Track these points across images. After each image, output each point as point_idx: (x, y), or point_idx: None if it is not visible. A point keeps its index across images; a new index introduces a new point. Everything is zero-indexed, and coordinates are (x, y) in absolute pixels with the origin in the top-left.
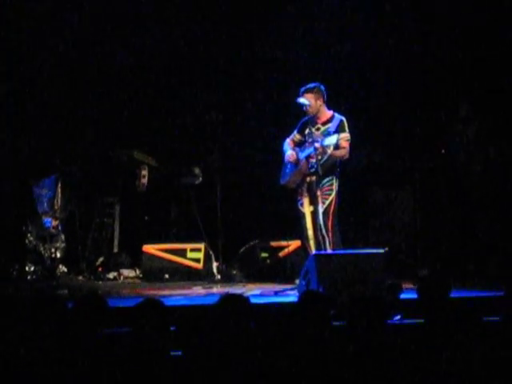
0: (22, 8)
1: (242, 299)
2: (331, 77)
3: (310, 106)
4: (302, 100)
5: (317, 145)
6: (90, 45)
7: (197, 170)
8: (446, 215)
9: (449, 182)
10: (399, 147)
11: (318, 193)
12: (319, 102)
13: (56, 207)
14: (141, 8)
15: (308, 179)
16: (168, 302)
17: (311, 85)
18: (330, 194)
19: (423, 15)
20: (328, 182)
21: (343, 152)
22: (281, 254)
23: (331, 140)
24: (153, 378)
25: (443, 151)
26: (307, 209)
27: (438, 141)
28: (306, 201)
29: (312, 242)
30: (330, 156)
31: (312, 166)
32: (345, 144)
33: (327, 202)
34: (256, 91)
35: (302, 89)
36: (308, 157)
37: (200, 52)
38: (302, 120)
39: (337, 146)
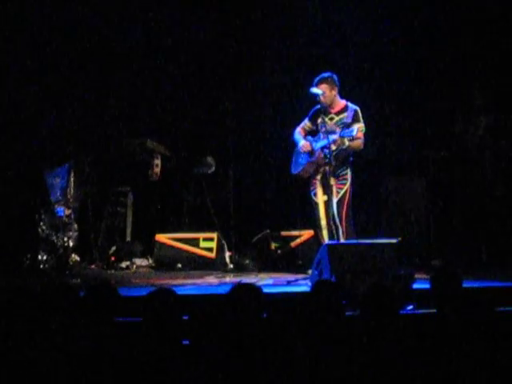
0: None
1: (254, 289)
2: (343, 65)
3: (324, 95)
4: (315, 90)
5: (335, 136)
6: (104, 34)
7: (210, 160)
8: (458, 205)
9: (461, 171)
10: (412, 137)
11: (333, 183)
12: (333, 92)
13: (69, 196)
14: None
15: (322, 169)
16: (180, 292)
17: (325, 74)
18: (344, 184)
19: (437, 2)
20: (342, 172)
21: (359, 142)
22: (293, 243)
23: (351, 132)
24: (164, 368)
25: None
26: (320, 198)
27: (451, 130)
28: (319, 191)
29: (325, 232)
30: (347, 147)
31: (326, 156)
32: (360, 135)
33: (342, 192)
34: (269, 80)
35: (316, 79)
36: (323, 147)
37: (213, 41)
38: (314, 108)
39: (353, 137)
